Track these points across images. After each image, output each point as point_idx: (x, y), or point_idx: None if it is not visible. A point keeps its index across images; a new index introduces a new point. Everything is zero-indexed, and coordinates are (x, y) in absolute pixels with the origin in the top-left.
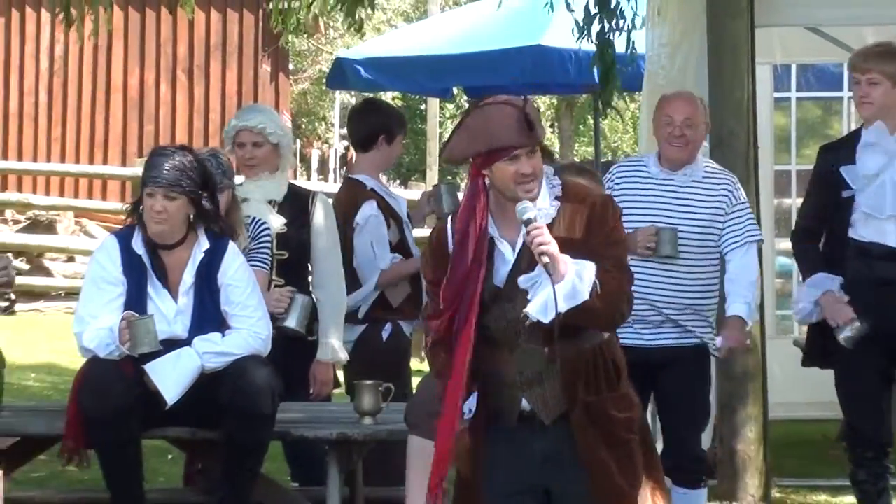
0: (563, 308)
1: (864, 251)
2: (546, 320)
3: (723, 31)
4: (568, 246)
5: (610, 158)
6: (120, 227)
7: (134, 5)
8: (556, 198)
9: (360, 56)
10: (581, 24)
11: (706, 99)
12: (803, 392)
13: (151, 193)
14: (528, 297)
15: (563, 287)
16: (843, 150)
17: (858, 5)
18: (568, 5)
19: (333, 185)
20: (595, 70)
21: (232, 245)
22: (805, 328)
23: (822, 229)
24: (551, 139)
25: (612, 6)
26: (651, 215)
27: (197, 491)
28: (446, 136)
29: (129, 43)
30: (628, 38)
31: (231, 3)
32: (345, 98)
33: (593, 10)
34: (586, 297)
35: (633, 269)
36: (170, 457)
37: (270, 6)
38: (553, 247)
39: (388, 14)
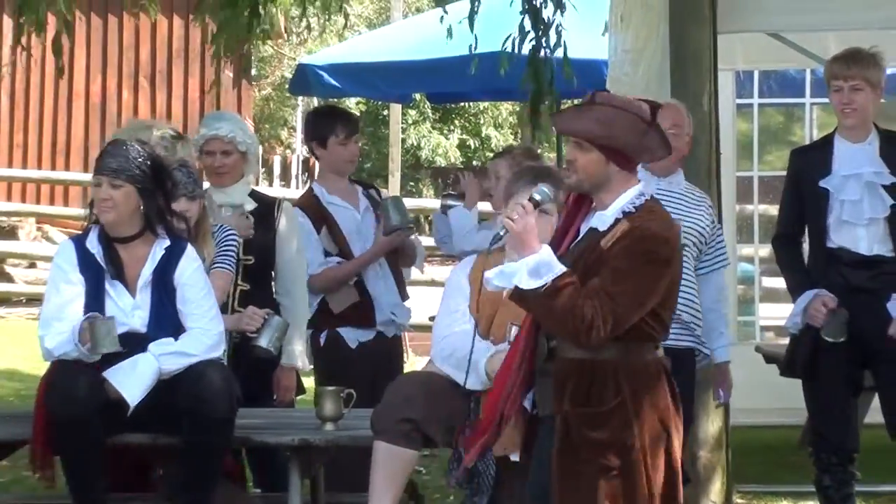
0: (495, 282)
1: (835, 258)
2: (489, 287)
3: (685, 37)
4: (599, 255)
5: None
6: (81, 232)
7: (97, 11)
8: (624, 212)
9: (323, 62)
10: (514, 42)
11: None
12: (765, 398)
13: (98, 182)
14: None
15: (512, 266)
16: (815, 155)
17: (820, 12)
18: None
19: (296, 192)
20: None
21: (190, 248)
22: (767, 334)
23: (802, 232)
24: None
25: (546, 21)
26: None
27: (158, 497)
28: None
29: (92, 49)
30: (564, 52)
31: (193, 8)
32: (308, 104)
33: (526, 28)
34: (522, 285)
35: None
36: None
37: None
38: (518, 227)
39: (352, 20)
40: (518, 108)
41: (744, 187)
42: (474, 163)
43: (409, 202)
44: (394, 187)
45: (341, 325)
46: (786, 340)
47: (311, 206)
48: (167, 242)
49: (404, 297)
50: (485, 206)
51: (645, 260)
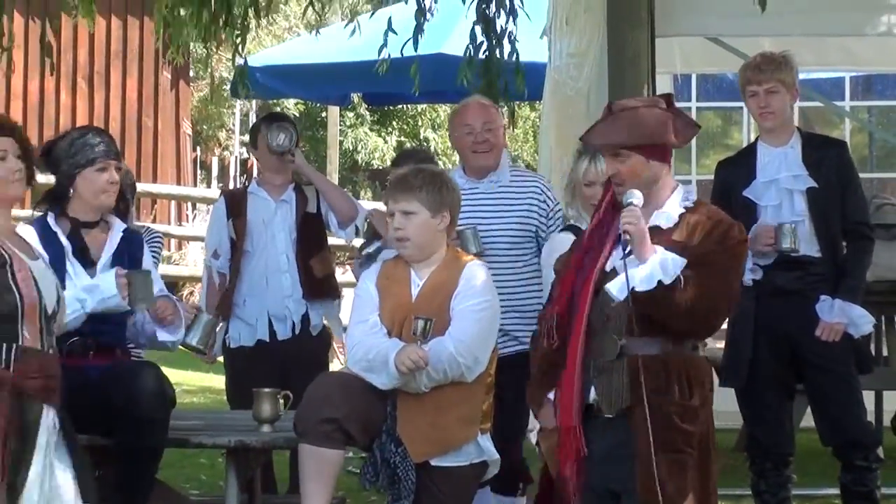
0: (638, 286)
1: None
2: (620, 297)
3: (623, 41)
4: (682, 250)
5: None
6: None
7: (34, 12)
8: (686, 209)
9: (261, 63)
10: (469, 54)
11: None
12: None
13: (105, 167)
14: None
15: (643, 269)
16: (740, 164)
17: (757, 16)
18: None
19: None
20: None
21: (144, 243)
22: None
23: None
24: (451, 148)
25: (499, 31)
26: (461, 226)
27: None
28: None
29: (30, 49)
30: (516, 57)
31: (132, 10)
32: (245, 105)
33: (479, 38)
34: (665, 282)
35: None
36: None
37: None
38: (639, 228)
39: (292, 22)
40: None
41: None
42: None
43: None
44: None
45: (233, 315)
46: (722, 344)
47: (234, 193)
48: (123, 226)
49: (310, 295)
50: None
51: (742, 246)
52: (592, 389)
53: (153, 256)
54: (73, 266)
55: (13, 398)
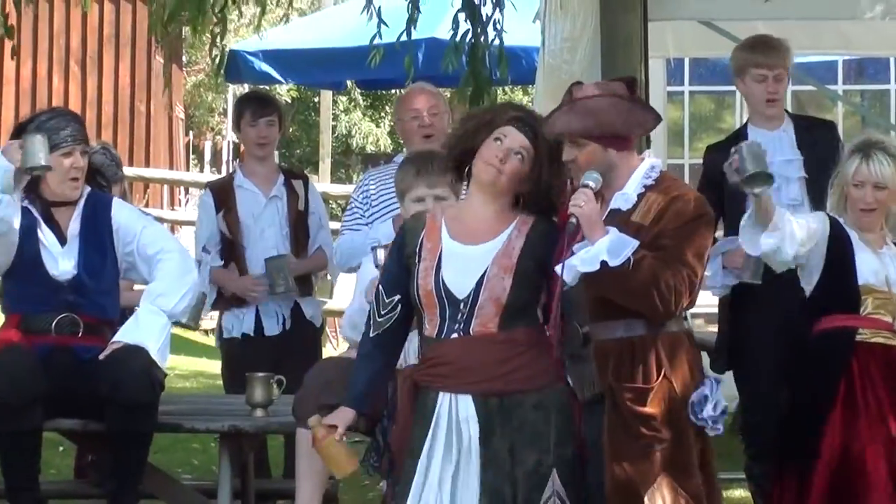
0: (580, 267)
1: None
2: (569, 280)
3: (616, 25)
4: (637, 231)
5: None
6: None
7: None
8: (645, 187)
9: (255, 48)
10: (453, 41)
11: None
12: None
13: (70, 152)
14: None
15: (587, 251)
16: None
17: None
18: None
19: None
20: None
21: (116, 199)
22: (697, 321)
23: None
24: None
25: (485, 18)
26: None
27: (88, 483)
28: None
29: (22, 34)
30: (500, 47)
31: None
32: (238, 90)
33: (464, 26)
34: (611, 263)
35: None
36: (61, 448)
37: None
38: (586, 210)
39: (285, 9)
40: (448, 95)
41: (675, 174)
42: (404, 149)
43: (339, 189)
44: (324, 174)
45: (228, 307)
46: (715, 327)
47: (221, 187)
48: (87, 191)
49: (304, 291)
50: None
51: (699, 220)
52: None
53: None
54: (44, 235)
55: None
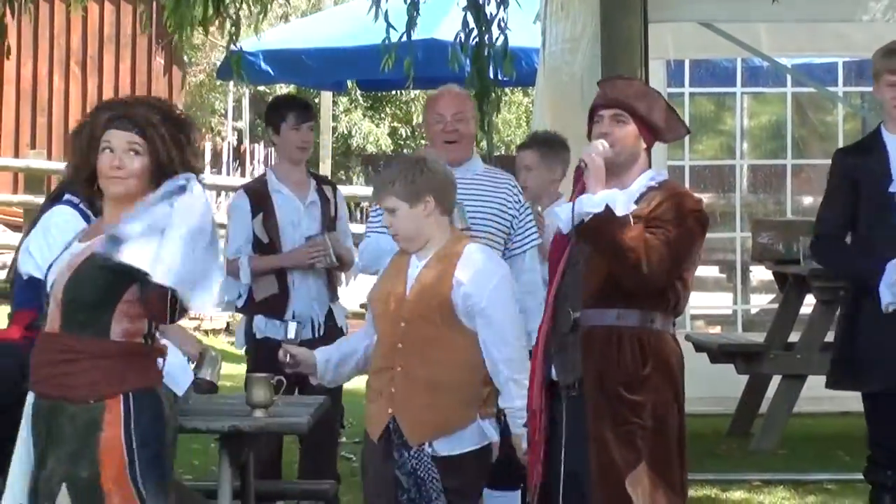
0: (586, 206)
1: None
2: (564, 225)
3: (616, 27)
4: (636, 220)
5: (503, 153)
6: (10, 217)
7: None
8: (648, 188)
9: (254, 48)
10: (459, 41)
11: None
12: (694, 387)
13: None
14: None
15: (593, 197)
16: (871, 159)
17: (750, 1)
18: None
19: (227, 179)
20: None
21: None
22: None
23: (847, 234)
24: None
25: (490, 17)
26: None
27: None
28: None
29: (22, 34)
30: (505, 48)
31: None
32: (237, 91)
33: (471, 24)
34: (614, 209)
35: None
36: None
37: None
38: (598, 163)
39: (285, 9)
40: None
41: (675, 176)
42: (404, 150)
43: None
44: (324, 174)
45: (258, 312)
46: (716, 329)
47: (256, 190)
48: None
49: (333, 297)
50: None
51: (695, 217)
52: (552, 367)
53: None
54: None
55: None
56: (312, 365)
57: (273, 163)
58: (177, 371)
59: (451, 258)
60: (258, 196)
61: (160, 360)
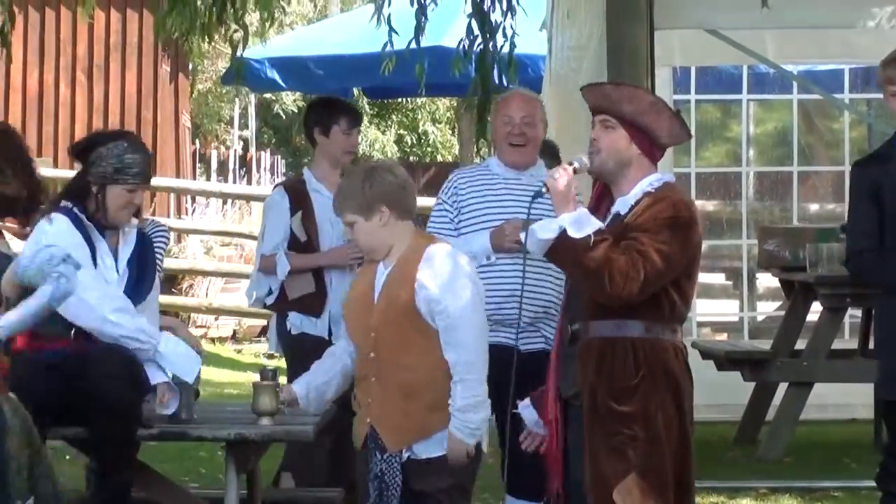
0: (540, 233)
1: None
2: (529, 247)
3: (622, 34)
4: (623, 229)
5: None
6: (14, 226)
7: (33, 4)
8: (645, 194)
9: (261, 56)
10: (463, 47)
11: None
12: (700, 394)
13: (134, 190)
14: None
15: (551, 221)
16: (886, 162)
17: (757, 9)
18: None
19: (233, 187)
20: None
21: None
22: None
23: (877, 245)
24: (451, 141)
25: (495, 24)
26: (506, 214)
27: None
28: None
29: (29, 42)
30: (511, 55)
31: (131, 3)
32: (244, 99)
33: (475, 31)
34: (570, 233)
35: (503, 266)
36: (67, 457)
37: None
38: (559, 185)
39: (291, 17)
40: (455, 104)
41: (681, 183)
42: (411, 158)
43: None
44: None
45: (292, 309)
46: (722, 336)
47: (295, 189)
48: (135, 226)
49: None
50: None
51: (671, 223)
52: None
53: (159, 250)
54: (102, 259)
55: None
56: (294, 400)
57: (311, 163)
58: (182, 360)
59: (412, 262)
60: (297, 194)
61: None
